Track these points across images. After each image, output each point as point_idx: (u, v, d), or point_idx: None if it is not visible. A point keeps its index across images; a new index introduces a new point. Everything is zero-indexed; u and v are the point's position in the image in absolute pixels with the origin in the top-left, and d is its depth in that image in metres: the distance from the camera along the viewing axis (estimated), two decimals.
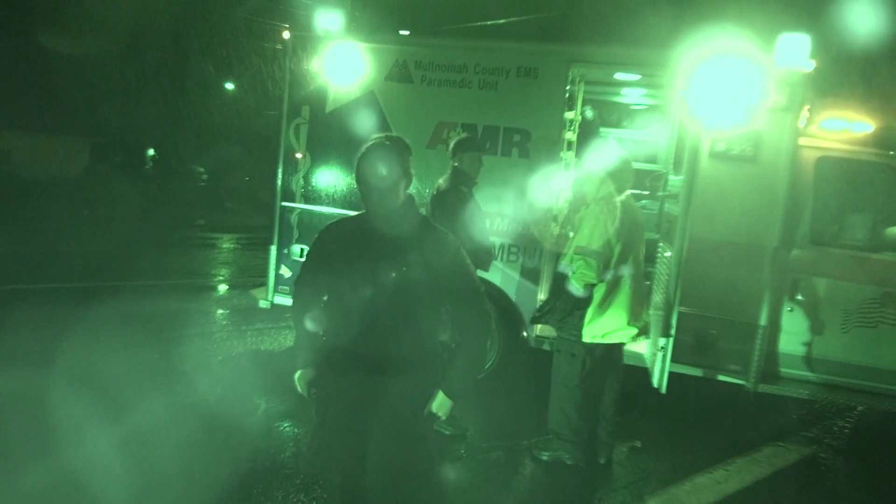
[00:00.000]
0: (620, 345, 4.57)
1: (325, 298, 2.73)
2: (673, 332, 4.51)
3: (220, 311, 8.19)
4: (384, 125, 5.78)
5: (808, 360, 5.35)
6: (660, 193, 6.18)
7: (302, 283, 2.85)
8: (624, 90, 7.18)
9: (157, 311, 7.78)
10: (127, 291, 8.63)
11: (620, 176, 4.44)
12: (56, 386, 4.97)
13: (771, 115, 5.10)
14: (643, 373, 4.97)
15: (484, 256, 5.12)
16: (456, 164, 4.85)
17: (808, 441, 5.51)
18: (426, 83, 5.76)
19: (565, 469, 4.53)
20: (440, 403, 2.66)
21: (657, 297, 5.07)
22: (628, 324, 4.37)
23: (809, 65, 4.93)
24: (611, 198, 4.33)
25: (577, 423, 4.48)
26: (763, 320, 5.14)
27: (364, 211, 2.68)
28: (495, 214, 5.64)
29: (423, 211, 4.92)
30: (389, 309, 2.57)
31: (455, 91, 5.68)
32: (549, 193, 5.60)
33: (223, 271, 11.43)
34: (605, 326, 4.34)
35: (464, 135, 5.20)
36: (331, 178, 6.13)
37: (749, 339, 5.18)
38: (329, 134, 6.05)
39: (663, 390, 4.64)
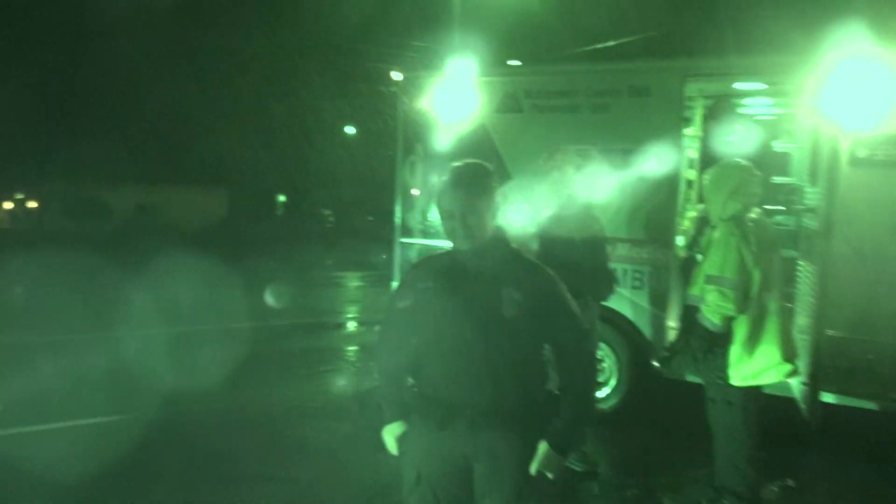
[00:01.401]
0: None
1: (414, 343, 2.44)
2: (820, 358, 4.11)
3: (350, 348, 8.43)
4: (496, 157, 5.77)
5: None
6: (796, 207, 5.75)
7: (388, 327, 2.60)
8: (746, 101, 6.78)
9: (291, 349, 8.14)
10: (263, 331, 9.09)
11: (746, 191, 3.90)
12: (204, 419, 5.29)
13: None
14: (791, 404, 4.57)
15: (606, 285, 4.95)
16: (567, 190, 4.74)
17: None
18: (537, 111, 5.71)
19: None
20: (548, 459, 2.32)
21: (801, 321, 4.67)
22: (782, 360, 3.79)
23: None
24: (740, 217, 3.83)
25: (753, 478, 3.88)
26: None
27: (451, 247, 2.43)
28: (616, 239, 5.44)
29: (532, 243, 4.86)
30: (484, 353, 2.30)
31: (567, 116, 5.59)
32: (672, 214, 5.35)
33: (351, 309, 11.81)
34: (755, 366, 3.77)
35: (577, 160, 5.07)
36: None
37: None
38: (442, 169, 6.10)
39: (814, 423, 4.22)
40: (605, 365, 5.76)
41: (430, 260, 2.58)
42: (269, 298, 11.02)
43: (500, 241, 2.43)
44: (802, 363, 4.28)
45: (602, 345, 5.63)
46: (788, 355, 3.82)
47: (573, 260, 4.65)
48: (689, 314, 3.98)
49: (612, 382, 5.73)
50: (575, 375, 2.39)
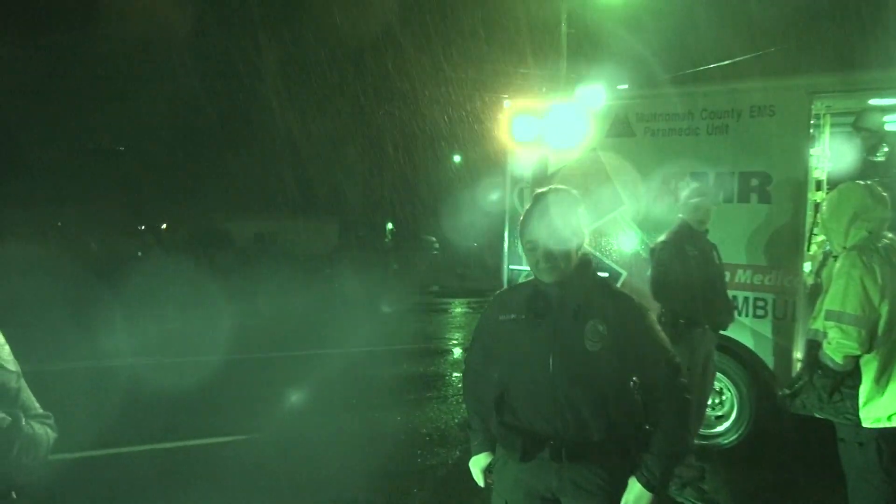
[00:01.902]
0: None
1: (497, 376, 2.40)
2: None
3: (456, 375, 8.44)
4: (608, 182, 5.67)
5: None
6: None
7: (472, 360, 2.59)
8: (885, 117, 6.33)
9: (399, 374, 8.28)
10: (373, 356, 9.30)
11: (870, 216, 3.53)
12: (315, 444, 5.46)
13: None
14: None
15: (725, 313, 4.74)
16: (682, 215, 4.59)
17: None
18: (649, 135, 5.58)
19: None
20: (637, 496, 2.24)
21: None
22: None
23: None
24: (866, 246, 3.47)
25: None
26: None
27: (534, 277, 2.38)
28: (737, 266, 5.19)
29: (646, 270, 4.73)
30: (570, 385, 2.23)
31: (681, 139, 5.42)
32: (798, 239, 5.05)
33: (456, 335, 11.87)
34: (889, 406, 3.42)
35: (693, 185, 4.91)
36: None
37: None
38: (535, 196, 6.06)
39: None
40: (724, 398, 5.48)
41: (513, 291, 2.53)
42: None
43: (586, 270, 2.35)
44: None
45: (721, 377, 5.36)
46: None
47: (689, 287, 4.51)
48: (812, 349, 3.67)
49: (733, 416, 5.43)
50: (666, 410, 2.29)
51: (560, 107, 5.95)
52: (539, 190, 2.42)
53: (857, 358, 3.43)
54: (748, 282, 5.21)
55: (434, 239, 29.66)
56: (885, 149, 5.74)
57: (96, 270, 12.51)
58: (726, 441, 5.40)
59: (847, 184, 3.83)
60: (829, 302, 3.50)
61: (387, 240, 29.01)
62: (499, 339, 2.41)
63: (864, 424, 3.44)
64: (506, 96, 6.55)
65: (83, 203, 26.51)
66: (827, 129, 6.01)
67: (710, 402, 5.37)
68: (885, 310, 3.38)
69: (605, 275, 5.65)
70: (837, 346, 3.40)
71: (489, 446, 2.49)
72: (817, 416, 3.66)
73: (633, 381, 2.32)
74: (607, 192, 5.68)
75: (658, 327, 2.35)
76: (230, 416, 6.35)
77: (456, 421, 6.46)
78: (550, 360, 2.24)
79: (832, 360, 3.44)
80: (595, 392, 2.24)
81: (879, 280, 3.37)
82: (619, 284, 5.70)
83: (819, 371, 3.55)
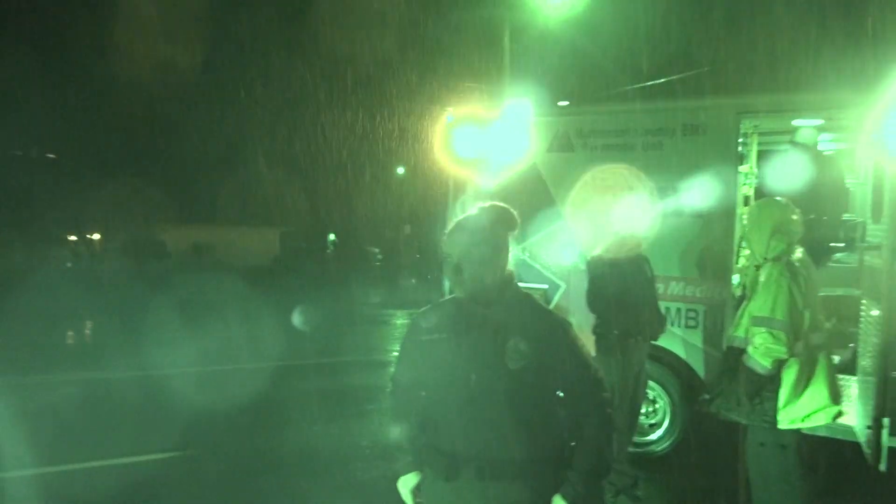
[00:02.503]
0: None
1: (423, 395, 2.40)
2: (888, 401, 3.95)
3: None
4: (547, 196, 5.79)
5: None
6: (858, 244, 5.58)
7: (397, 379, 2.55)
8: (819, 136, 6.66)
9: (339, 387, 8.19)
10: (310, 370, 9.18)
11: (788, 229, 3.80)
12: (251, 457, 5.34)
13: None
14: (853, 447, 4.38)
15: (658, 324, 4.88)
16: (616, 229, 4.72)
17: None
18: (588, 150, 5.73)
19: None
20: None
21: (864, 362, 4.50)
22: (831, 402, 3.69)
23: None
24: (787, 257, 3.72)
25: None
26: None
27: (455, 294, 2.36)
28: (670, 278, 5.37)
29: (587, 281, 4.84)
30: (491, 404, 2.21)
31: (618, 155, 5.58)
32: (727, 252, 5.26)
33: (398, 346, 11.82)
34: (804, 408, 3.66)
35: (626, 198, 5.07)
36: None
37: None
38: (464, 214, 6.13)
39: (882, 468, 4.04)
40: (657, 406, 5.64)
41: (436, 308, 2.47)
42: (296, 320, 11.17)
43: (509, 287, 2.33)
44: (863, 405, 4.13)
45: (654, 385, 5.53)
46: (835, 397, 3.72)
47: (622, 298, 4.64)
48: (732, 356, 3.86)
49: (666, 424, 5.59)
50: (589, 426, 2.28)
51: (501, 121, 6.05)
52: (473, 206, 2.40)
53: (782, 362, 3.62)
54: (681, 293, 5.38)
55: (377, 250, 29.54)
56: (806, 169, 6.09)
57: (19, 279, 12.04)
58: (659, 448, 5.56)
59: (766, 199, 4.10)
60: (757, 309, 3.67)
61: (329, 250, 28.76)
62: (422, 357, 2.39)
63: (781, 426, 3.63)
64: (449, 109, 6.61)
65: (12, 211, 25.42)
66: (754, 148, 6.29)
67: (643, 410, 5.53)
68: (807, 316, 3.62)
69: (536, 286, 5.76)
70: (766, 350, 3.57)
71: (418, 465, 2.45)
72: (733, 418, 3.84)
73: (558, 397, 2.30)
74: (547, 205, 5.80)
75: (581, 342, 2.34)
76: (166, 432, 6.17)
77: (398, 434, 6.44)
78: (472, 379, 2.22)
79: (760, 364, 3.60)
80: (517, 410, 2.22)
81: (803, 288, 3.60)
82: (557, 296, 5.81)
83: (742, 376, 3.69)
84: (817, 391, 3.66)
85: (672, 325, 5.34)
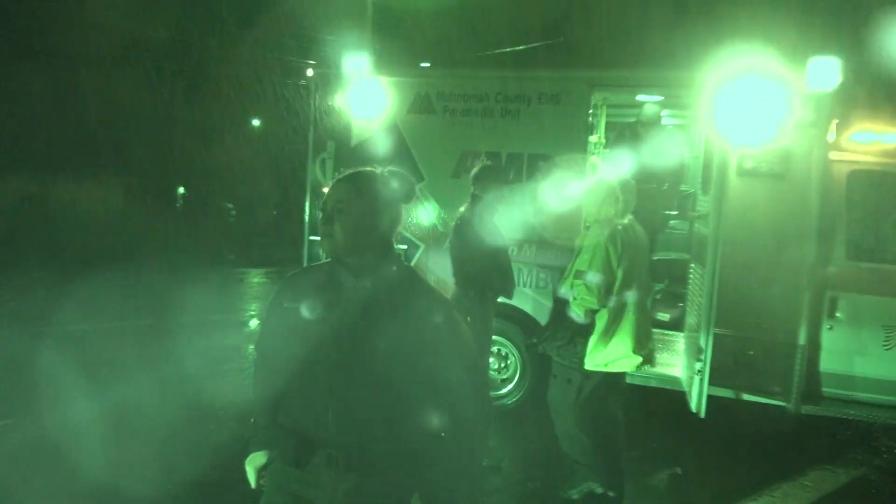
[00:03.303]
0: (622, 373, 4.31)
1: (282, 367, 2.09)
2: (709, 354, 4.42)
3: (252, 347, 8.24)
4: (408, 157, 5.83)
5: (851, 379, 5.20)
6: (689, 213, 6.11)
7: (259, 346, 2.28)
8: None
9: (193, 348, 7.86)
10: (162, 330, 8.74)
11: (621, 197, 4.19)
12: (96, 420, 5.06)
13: (799, 131, 5.03)
14: (681, 396, 4.87)
15: (507, 284, 5.11)
16: (476, 192, 4.86)
17: (856, 463, 5.34)
18: (449, 113, 5.81)
19: (599, 500, 4.31)
20: None
21: (691, 319, 4.98)
22: (633, 352, 4.11)
23: (836, 83, 4.84)
24: (610, 221, 4.13)
25: (589, 446, 4.23)
26: (802, 340, 5.01)
27: (330, 259, 2.10)
28: (522, 241, 5.62)
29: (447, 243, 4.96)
30: (351, 388, 1.96)
31: (478, 120, 5.72)
32: (575, 218, 5.58)
33: (254, 306, 11.54)
34: (609, 355, 4.10)
35: (487, 163, 5.21)
36: None
37: (789, 360, 5.05)
38: (353, 168, 6.10)
39: (702, 414, 4.53)
40: (509, 362, 5.94)
41: (305, 272, 2.24)
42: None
43: (387, 259, 2.07)
44: (689, 357, 4.58)
45: (505, 341, 5.83)
46: (639, 348, 4.14)
47: (481, 259, 4.81)
48: (559, 306, 4.25)
49: (516, 378, 5.92)
50: (460, 419, 2.01)
51: (363, 79, 5.99)
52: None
53: (594, 312, 4.05)
54: (532, 256, 5.66)
55: (231, 205, 28.32)
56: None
57: None
58: (511, 401, 5.89)
59: (608, 167, 4.41)
60: (578, 264, 4.11)
61: (178, 205, 27.23)
62: (283, 326, 2.10)
63: (586, 367, 4.10)
64: (311, 63, 6.43)
65: None
66: (603, 119, 6.66)
67: (496, 365, 5.83)
68: (620, 274, 4.05)
69: (396, 248, 5.84)
70: (582, 301, 4.00)
71: (267, 444, 2.18)
72: (554, 358, 4.25)
73: (428, 386, 2.02)
74: (407, 166, 5.84)
75: (464, 327, 2.10)
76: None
77: (251, 395, 6.33)
78: (332, 357, 1.98)
79: (577, 313, 4.02)
80: (379, 396, 1.98)
81: (619, 249, 4.02)
82: (416, 257, 5.91)
83: (564, 323, 4.12)
84: (622, 341, 4.09)
85: (525, 286, 5.61)
